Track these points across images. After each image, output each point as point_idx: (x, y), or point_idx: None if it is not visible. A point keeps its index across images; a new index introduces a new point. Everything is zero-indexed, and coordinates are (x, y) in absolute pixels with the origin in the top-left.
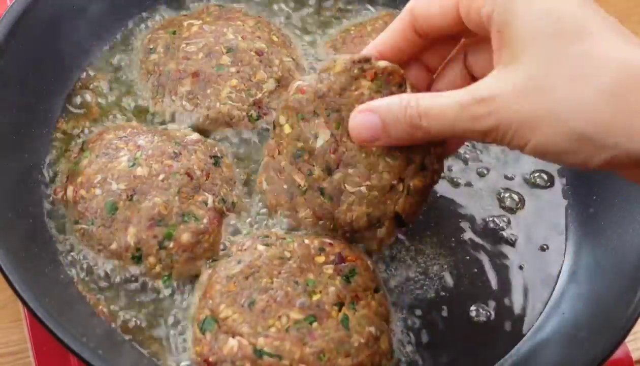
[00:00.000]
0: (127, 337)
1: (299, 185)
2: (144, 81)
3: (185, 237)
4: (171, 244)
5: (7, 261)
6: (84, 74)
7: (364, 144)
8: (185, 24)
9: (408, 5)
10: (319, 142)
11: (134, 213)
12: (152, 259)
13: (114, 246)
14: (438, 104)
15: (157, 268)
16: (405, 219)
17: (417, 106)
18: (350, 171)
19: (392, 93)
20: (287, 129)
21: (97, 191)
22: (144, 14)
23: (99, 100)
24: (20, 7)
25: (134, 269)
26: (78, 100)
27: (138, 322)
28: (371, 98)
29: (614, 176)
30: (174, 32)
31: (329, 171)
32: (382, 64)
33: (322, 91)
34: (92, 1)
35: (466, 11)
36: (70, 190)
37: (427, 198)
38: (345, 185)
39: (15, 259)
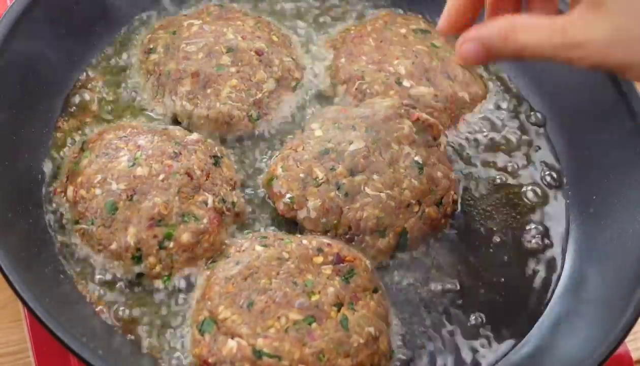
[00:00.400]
0: (127, 337)
1: (317, 177)
2: (143, 81)
3: (185, 237)
4: (171, 244)
5: (7, 261)
6: (84, 74)
7: (469, 63)
8: (185, 24)
9: None
10: (352, 147)
11: (134, 212)
12: (152, 259)
13: (114, 246)
14: (533, 42)
15: (157, 268)
16: (409, 240)
17: (515, 41)
18: (375, 177)
19: (428, 142)
20: (318, 132)
21: (97, 191)
22: (144, 14)
23: (99, 100)
24: (20, 7)
25: (134, 269)
26: (77, 100)
27: (138, 322)
28: (411, 134)
29: (613, 176)
30: (174, 32)
31: (352, 172)
32: (426, 115)
33: (365, 114)
34: (92, 1)
35: None
36: (70, 190)
37: (429, 236)
38: (365, 187)
39: (15, 259)
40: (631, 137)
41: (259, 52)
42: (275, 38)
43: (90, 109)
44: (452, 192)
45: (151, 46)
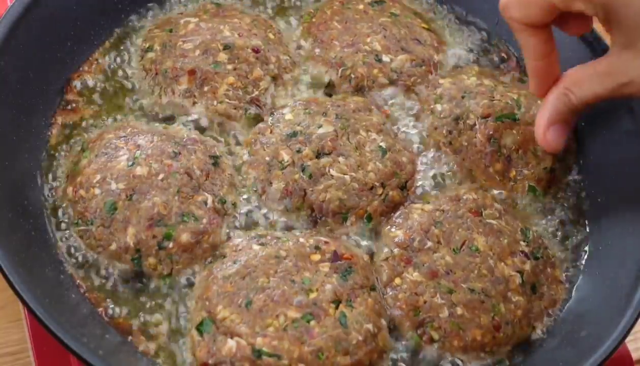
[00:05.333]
0: (127, 338)
1: (282, 160)
2: (141, 80)
3: (185, 237)
4: (170, 245)
5: (7, 261)
6: (83, 72)
7: (560, 147)
8: (181, 22)
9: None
10: (321, 130)
11: (133, 212)
12: (151, 260)
13: (113, 246)
14: (591, 94)
15: (158, 269)
16: (373, 222)
17: (577, 99)
18: (340, 159)
19: (394, 133)
20: (288, 116)
21: (97, 191)
22: (142, 12)
23: (98, 99)
24: (20, 7)
25: (135, 270)
26: (77, 99)
27: (138, 323)
28: (379, 124)
29: (613, 176)
30: (171, 30)
31: (318, 154)
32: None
33: (337, 103)
34: (90, 0)
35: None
36: (70, 190)
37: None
38: (330, 169)
39: (15, 259)
40: (631, 137)
41: (255, 50)
42: (271, 36)
43: (89, 108)
44: (416, 177)
45: (147, 45)
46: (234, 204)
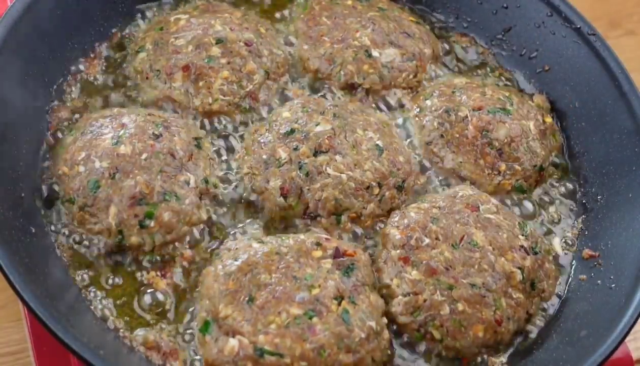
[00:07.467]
0: (127, 339)
1: (279, 158)
2: (136, 78)
3: (167, 216)
4: (152, 223)
5: (7, 261)
6: (82, 71)
7: None
8: (172, 19)
9: None
10: (318, 128)
11: (116, 191)
12: (134, 239)
13: (97, 227)
14: None
15: (140, 247)
16: (364, 221)
17: None
18: (337, 157)
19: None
20: (285, 114)
21: (81, 169)
22: (141, 12)
23: (97, 98)
24: (20, 6)
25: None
26: (76, 97)
27: (140, 324)
28: (376, 124)
29: (613, 175)
30: (161, 28)
31: (315, 152)
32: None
33: (335, 104)
34: (89, 1)
35: None
36: (55, 168)
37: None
38: (327, 168)
39: (15, 259)
40: (631, 137)
41: (248, 43)
42: (262, 30)
43: (88, 106)
44: (413, 177)
45: (139, 46)
46: (215, 186)
